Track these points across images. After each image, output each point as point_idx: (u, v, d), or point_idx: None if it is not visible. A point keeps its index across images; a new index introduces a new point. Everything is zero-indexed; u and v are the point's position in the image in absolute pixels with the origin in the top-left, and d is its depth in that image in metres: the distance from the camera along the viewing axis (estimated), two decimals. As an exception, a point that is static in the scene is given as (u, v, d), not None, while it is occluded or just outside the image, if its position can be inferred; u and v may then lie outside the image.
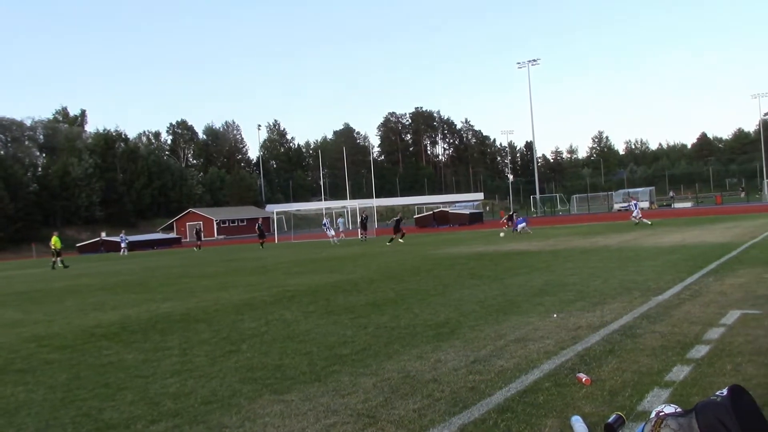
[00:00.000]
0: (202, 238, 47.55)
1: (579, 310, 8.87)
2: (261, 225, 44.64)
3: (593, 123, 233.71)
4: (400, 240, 33.63)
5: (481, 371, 5.97)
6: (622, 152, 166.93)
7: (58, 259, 35.27)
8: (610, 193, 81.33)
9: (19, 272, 33.97)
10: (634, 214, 34.96)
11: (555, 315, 8.62)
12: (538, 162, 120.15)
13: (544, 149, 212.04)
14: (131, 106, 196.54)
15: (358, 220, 42.14)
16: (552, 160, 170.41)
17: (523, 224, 35.45)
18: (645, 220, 34.12)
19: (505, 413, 4.75)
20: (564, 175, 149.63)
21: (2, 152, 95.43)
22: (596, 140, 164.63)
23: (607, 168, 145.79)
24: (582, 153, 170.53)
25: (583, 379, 5.36)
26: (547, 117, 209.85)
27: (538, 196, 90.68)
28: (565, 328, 7.73)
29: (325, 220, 40.63)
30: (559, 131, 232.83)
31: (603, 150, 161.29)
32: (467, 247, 25.34)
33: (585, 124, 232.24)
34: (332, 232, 39.35)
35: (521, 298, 10.44)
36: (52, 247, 36.40)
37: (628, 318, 8.09)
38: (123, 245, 50.92)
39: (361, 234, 41.16)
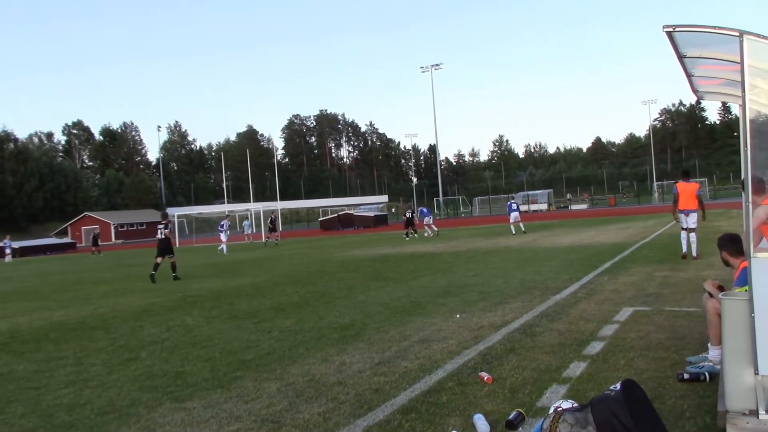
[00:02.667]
0: (99, 243, 45.65)
1: (481, 310, 9.06)
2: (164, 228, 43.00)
3: (494, 127, 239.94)
4: (415, 235, 33.62)
5: (385, 372, 6.01)
6: (521, 155, 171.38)
7: None
8: (510, 195, 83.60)
9: None
10: (512, 220, 29.65)
11: (458, 315, 8.78)
12: (441, 165, 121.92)
13: (447, 152, 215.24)
14: (22, 106, 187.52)
15: (267, 222, 41.23)
16: (455, 163, 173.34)
17: (429, 217, 35.46)
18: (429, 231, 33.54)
19: (409, 414, 4.80)
20: (466, 177, 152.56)
21: None
22: (497, 144, 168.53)
23: (508, 171, 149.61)
24: (483, 156, 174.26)
25: (485, 378, 5.48)
26: (450, 121, 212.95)
27: (441, 198, 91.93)
28: (468, 328, 7.88)
29: (223, 222, 37.24)
30: (461, 135, 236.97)
31: (504, 153, 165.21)
32: (372, 250, 25.47)
33: (486, 128, 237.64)
34: (225, 237, 35.18)
35: (425, 300, 10.57)
36: None
37: (528, 317, 8.32)
38: (7, 251, 47.86)
39: (266, 237, 40.32)
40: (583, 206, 72.32)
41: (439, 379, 5.67)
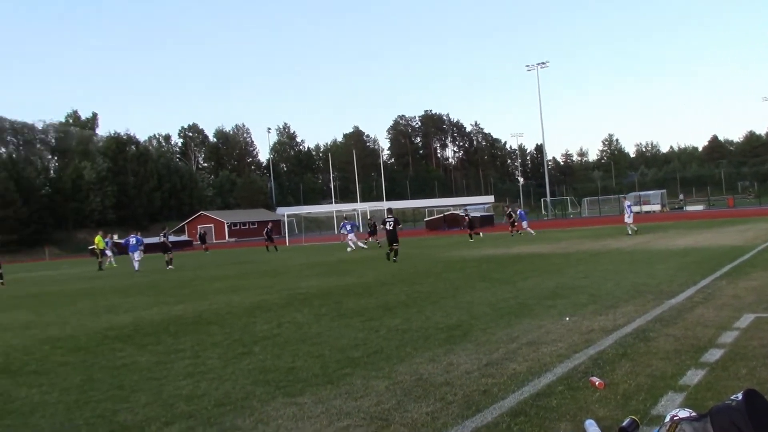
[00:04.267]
0: (207, 241, 47.13)
1: (591, 313, 8.85)
2: (270, 229, 44.23)
3: (603, 125, 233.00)
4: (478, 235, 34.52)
5: (493, 374, 5.97)
6: (632, 155, 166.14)
7: (104, 259, 34.87)
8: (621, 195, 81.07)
9: (32, 274, 34.16)
10: (626, 219, 29.73)
11: (567, 318, 8.60)
12: (548, 165, 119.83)
13: (554, 152, 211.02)
14: (142, 110, 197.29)
15: (369, 225, 41.58)
16: (562, 163, 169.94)
17: (525, 221, 36.26)
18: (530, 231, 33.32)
19: (518, 417, 4.74)
20: (574, 177, 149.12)
21: (14, 155, 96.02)
22: (606, 143, 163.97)
23: (618, 171, 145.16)
24: (592, 156, 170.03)
25: (597, 383, 5.34)
26: (557, 119, 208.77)
27: (548, 198, 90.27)
28: (578, 331, 7.71)
29: (346, 222, 38.30)
30: (569, 134, 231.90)
31: (613, 153, 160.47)
32: (478, 250, 25.31)
33: (595, 127, 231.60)
34: (353, 236, 35.98)
35: (533, 301, 10.42)
36: (96, 247, 35.60)
37: (641, 321, 8.06)
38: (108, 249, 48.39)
39: (365, 238, 40.44)
40: (699, 207, 69.23)
41: (548, 383, 5.58)
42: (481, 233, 37.60)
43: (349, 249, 33.88)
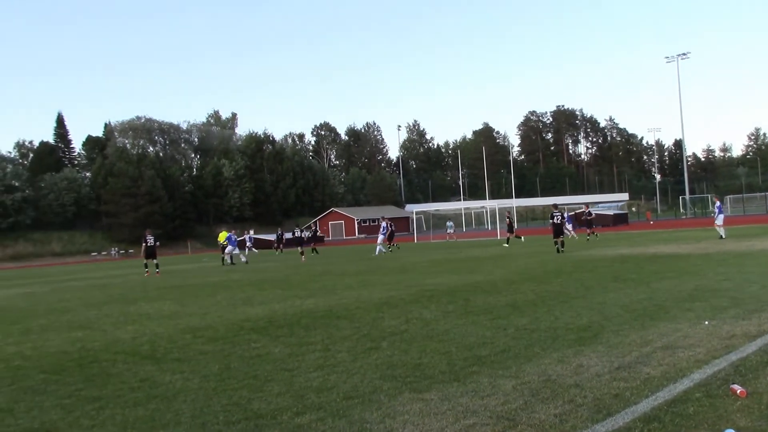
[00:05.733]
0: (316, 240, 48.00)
1: (733, 318, 8.37)
2: (391, 225, 44.48)
3: (749, 119, 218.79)
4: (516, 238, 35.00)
5: (625, 378, 5.77)
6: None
7: (230, 254, 35.13)
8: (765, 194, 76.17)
9: (176, 267, 36.14)
10: (716, 222, 28.46)
11: (706, 322, 8.18)
12: (687, 161, 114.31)
13: (694, 147, 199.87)
14: (278, 109, 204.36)
15: (504, 221, 41.37)
16: (703, 159, 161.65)
17: (570, 225, 35.82)
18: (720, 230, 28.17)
19: (651, 423, 4.56)
20: (716, 174, 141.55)
21: (161, 154, 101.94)
22: (752, 137, 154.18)
23: (765, 167, 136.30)
24: (737, 151, 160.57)
25: (738, 391, 5.06)
26: (697, 113, 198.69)
27: (687, 196, 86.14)
28: (718, 336, 7.32)
29: (449, 222, 42.13)
30: (711, 128, 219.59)
31: (760, 148, 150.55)
32: (611, 249, 24.52)
33: (740, 120, 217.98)
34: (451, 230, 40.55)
35: (669, 303, 9.98)
36: (220, 243, 36.16)
37: (790, 327, 7.55)
38: (249, 244, 48.37)
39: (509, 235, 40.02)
40: None
41: (685, 389, 5.33)
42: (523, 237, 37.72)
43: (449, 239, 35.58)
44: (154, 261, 29.24)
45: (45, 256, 77.53)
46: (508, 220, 37.48)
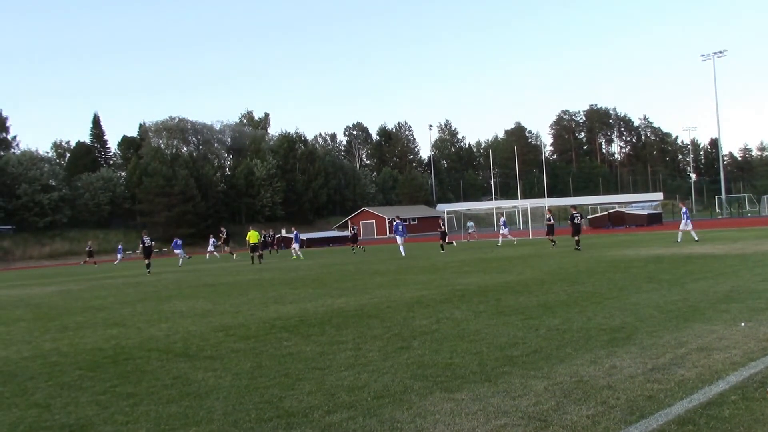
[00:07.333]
0: (358, 239, 47.97)
1: (771, 320, 8.23)
2: (353, 228, 45.57)
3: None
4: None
5: (659, 380, 5.70)
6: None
7: (255, 254, 34.87)
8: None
9: (208, 266, 36.45)
10: (682, 225, 29.18)
11: (743, 324, 8.05)
12: (724, 160, 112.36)
13: (730, 146, 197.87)
14: (310, 109, 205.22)
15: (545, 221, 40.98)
16: (740, 158, 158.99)
17: (506, 230, 39.14)
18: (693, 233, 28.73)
19: (686, 425, 4.51)
20: (754, 174, 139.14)
21: (195, 154, 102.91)
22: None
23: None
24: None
25: (775, 394, 4.98)
26: (734, 112, 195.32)
27: (723, 196, 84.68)
28: (755, 338, 7.20)
29: (502, 220, 41.23)
30: (748, 127, 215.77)
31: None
32: (645, 249, 24.22)
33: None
34: (506, 231, 40.06)
35: (704, 305, 9.84)
36: (248, 242, 35.59)
37: (829, 330, 7.40)
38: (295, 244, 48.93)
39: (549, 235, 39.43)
40: None
41: (720, 392, 5.25)
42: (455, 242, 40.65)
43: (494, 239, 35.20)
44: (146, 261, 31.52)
45: (81, 254, 78.72)
46: (502, 219, 40.48)
